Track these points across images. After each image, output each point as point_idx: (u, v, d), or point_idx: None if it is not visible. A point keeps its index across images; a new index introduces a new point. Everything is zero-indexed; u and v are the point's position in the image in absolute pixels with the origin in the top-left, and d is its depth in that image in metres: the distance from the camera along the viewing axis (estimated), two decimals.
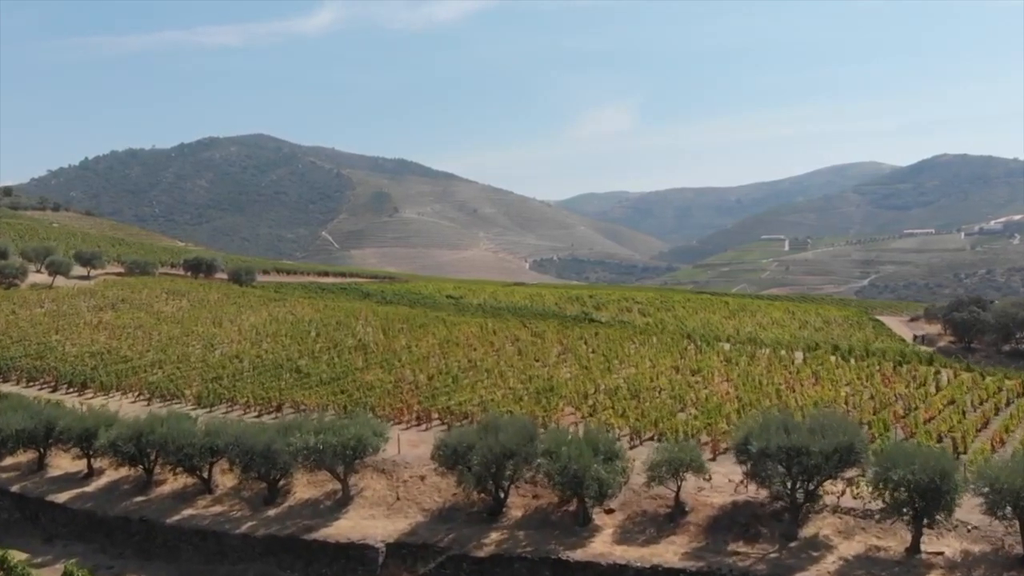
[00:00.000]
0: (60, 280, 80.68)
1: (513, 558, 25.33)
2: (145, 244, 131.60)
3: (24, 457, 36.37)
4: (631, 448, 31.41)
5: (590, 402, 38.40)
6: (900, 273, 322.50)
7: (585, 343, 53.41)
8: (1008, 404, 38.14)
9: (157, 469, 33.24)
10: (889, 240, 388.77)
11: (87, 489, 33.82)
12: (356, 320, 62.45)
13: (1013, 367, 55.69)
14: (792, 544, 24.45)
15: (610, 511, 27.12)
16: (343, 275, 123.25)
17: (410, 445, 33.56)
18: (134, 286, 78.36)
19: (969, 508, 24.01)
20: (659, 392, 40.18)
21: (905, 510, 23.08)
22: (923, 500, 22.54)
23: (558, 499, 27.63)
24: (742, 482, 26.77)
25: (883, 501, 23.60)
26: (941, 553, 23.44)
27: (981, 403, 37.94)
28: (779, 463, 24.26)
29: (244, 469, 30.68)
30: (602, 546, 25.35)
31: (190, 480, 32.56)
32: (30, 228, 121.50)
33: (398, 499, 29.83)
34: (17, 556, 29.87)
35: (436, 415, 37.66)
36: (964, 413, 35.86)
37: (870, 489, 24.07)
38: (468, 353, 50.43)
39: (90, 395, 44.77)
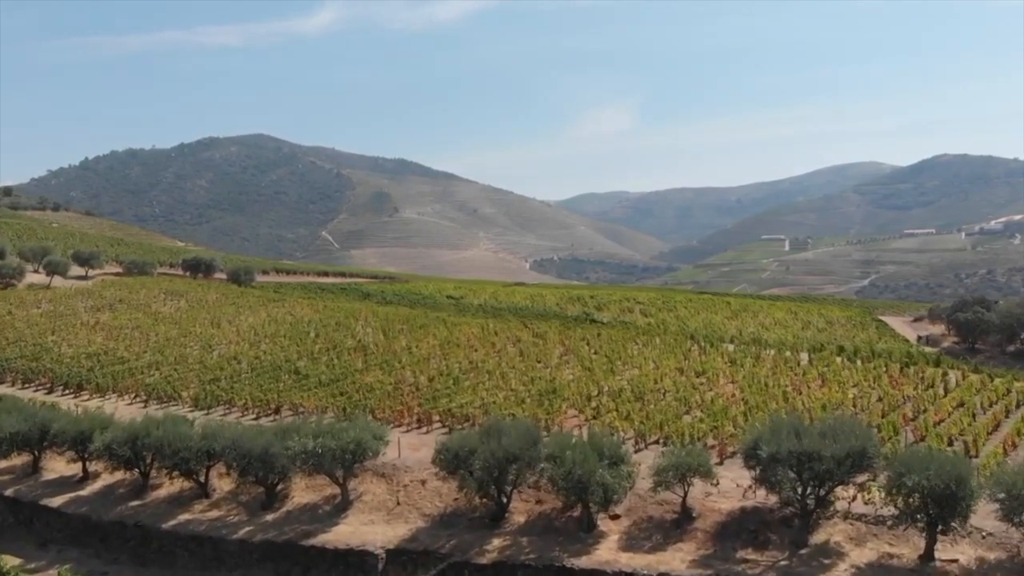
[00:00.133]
0: (58, 280, 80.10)
1: (516, 565, 24.74)
2: (144, 244, 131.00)
3: (18, 460, 35.87)
4: (636, 452, 30.85)
5: (593, 404, 37.80)
6: (901, 273, 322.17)
7: (587, 344, 52.81)
8: (1018, 406, 37.50)
9: (153, 473, 32.69)
10: (889, 240, 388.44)
11: (82, 493, 33.28)
12: (356, 321, 61.86)
13: (1019, 368, 55.07)
14: (802, 551, 23.85)
15: (615, 517, 26.52)
16: (343, 275, 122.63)
17: (410, 448, 32.97)
18: (132, 286, 77.76)
19: (984, 514, 23.41)
20: (663, 394, 39.58)
21: (919, 517, 22.49)
22: (938, 507, 21.94)
23: (562, 504, 27.02)
24: (750, 487, 26.19)
25: (896, 507, 23.01)
26: (956, 561, 22.86)
27: (991, 405, 37.31)
28: (790, 468, 23.65)
29: (241, 473, 30.17)
30: (607, 553, 24.75)
31: (186, 484, 32.00)
32: (28, 228, 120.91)
33: (398, 504, 29.24)
34: (11, 561, 29.48)
35: (437, 417, 37.07)
36: (974, 416, 35.26)
37: (883, 495, 23.48)
38: (469, 354, 49.84)
39: (86, 397, 44.20)
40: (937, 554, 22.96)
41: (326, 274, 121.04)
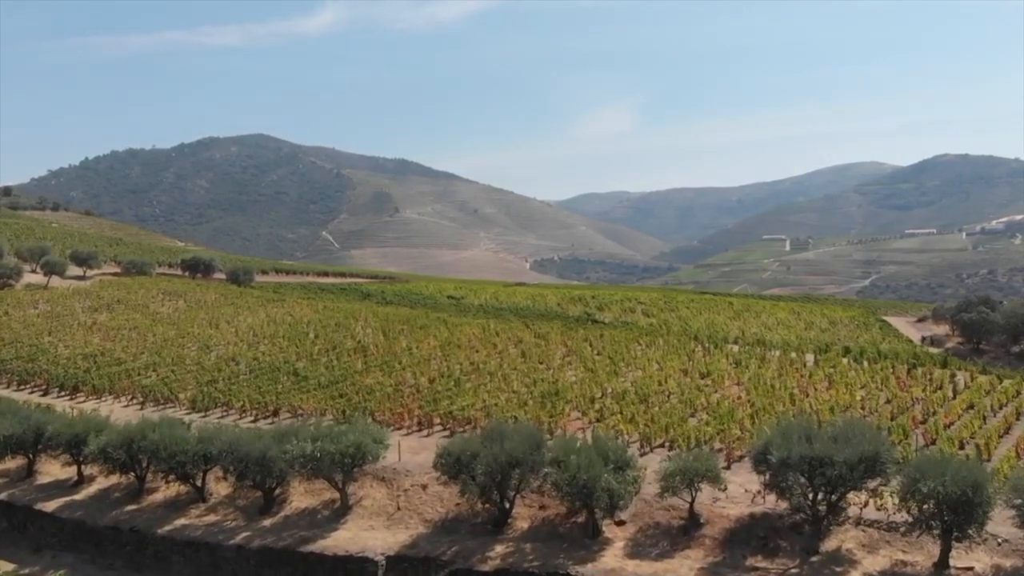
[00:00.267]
0: (55, 280, 79.51)
1: (520, 573, 24.08)
2: (143, 244, 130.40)
3: (12, 464, 35.40)
4: (641, 455, 30.21)
5: (597, 407, 37.20)
6: (902, 273, 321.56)
7: (590, 345, 52.20)
8: None
9: (149, 476, 32.15)
10: (890, 240, 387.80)
11: (77, 497, 32.73)
12: (356, 321, 61.26)
13: None
14: (813, 559, 23.21)
15: (621, 523, 25.89)
16: (343, 275, 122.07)
17: (411, 452, 32.38)
18: (130, 286, 77.19)
19: (1000, 520, 22.82)
20: (668, 396, 38.98)
21: (934, 524, 21.86)
22: (954, 513, 21.31)
23: (566, 510, 26.39)
24: (759, 492, 25.58)
25: (910, 514, 22.40)
26: (971, 568, 22.22)
27: (1000, 407, 36.76)
28: (801, 474, 23.01)
29: (239, 477, 29.62)
30: (613, 560, 24.11)
31: (183, 488, 31.46)
32: (27, 228, 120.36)
33: (399, 509, 28.63)
34: (4, 567, 29.02)
35: (438, 420, 36.47)
36: (985, 418, 34.65)
37: (896, 501, 22.86)
38: (470, 355, 49.24)
39: (82, 399, 43.65)
40: (952, 562, 22.33)
41: (326, 274, 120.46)
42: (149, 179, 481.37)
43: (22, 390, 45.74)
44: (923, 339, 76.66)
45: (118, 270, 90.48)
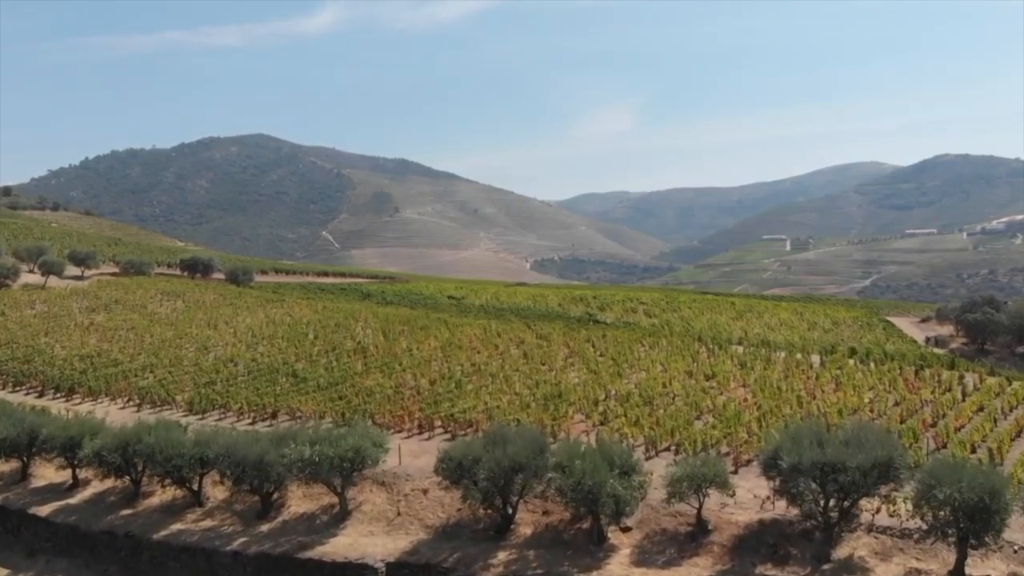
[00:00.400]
0: (53, 280, 78.87)
1: None
2: (143, 244, 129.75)
3: (6, 467, 35.04)
4: (646, 459, 29.59)
5: (600, 409, 36.56)
6: (902, 273, 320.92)
7: (592, 346, 51.57)
8: None
9: (145, 480, 31.69)
10: (891, 240, 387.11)
11: (71, 501, 32.27)
12: (355, 322, 60.64)
13: None
14: (825, 567, 22.62)
15: (627, 529, 25.30)
16: (343, 275, 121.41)
17: (411, 455, 31.80)
18: (128, 287, 76.56)
19: (1016, 527, 22.30)
20: (673, 398, 38.34)
21: (950, 531, 21.25)
22: (970, 520, 20.71)
23: (570, 516, 25.79)
24: (768, 498, 24.98)
25: (924, 521, 21.81)
26: None
27: (1011, 409, 36.14)
28: (812, 479, 22.39)
29: (236, 482, 29.13)
30: (619, 568, 23.53)
31: (179, 492, 30.96)
32: (26, 228, 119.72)
33: (399, 514, 28.05)
34: None
35: (439, 423, 35.85)
36: (995, 421, 34.02)
37: (910, 507, 22.26)
38: (471, 356, 48.62)
39: (77, 400, 43.05)
40: (967, 570, 21.75)
41: (326, 274, 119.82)
42: (149, 179, 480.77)
43: (17, 392, 45.14)
44: (927, 340, 76.04)
45: (116, 270, 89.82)
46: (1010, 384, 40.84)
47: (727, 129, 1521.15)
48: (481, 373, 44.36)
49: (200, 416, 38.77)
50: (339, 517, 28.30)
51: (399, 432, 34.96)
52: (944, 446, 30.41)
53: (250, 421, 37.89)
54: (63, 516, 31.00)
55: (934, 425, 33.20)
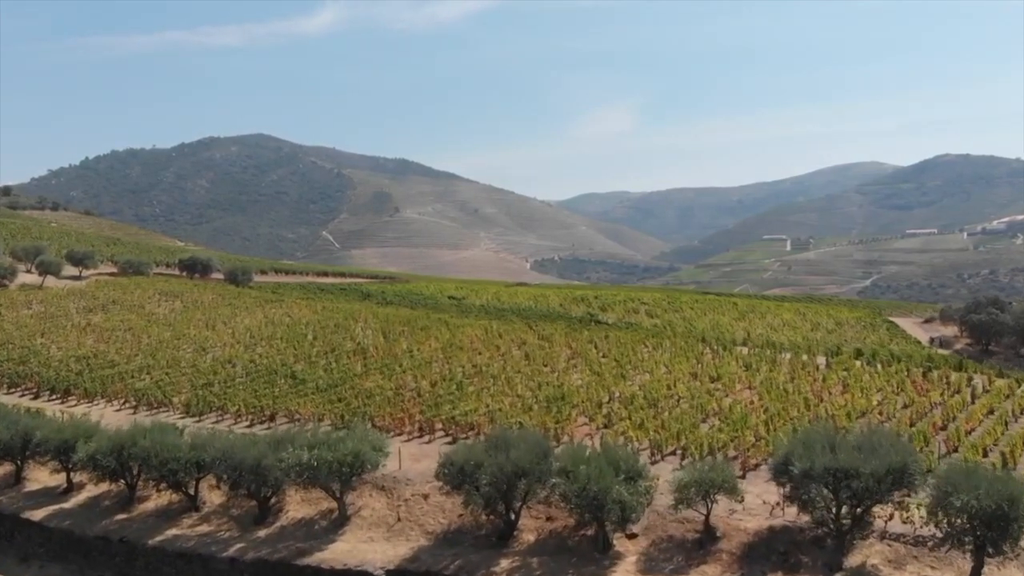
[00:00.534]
0: (51, 280, 78.22)
1: None
2: (142, 244, 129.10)
3: (0, 470, 34.13)
4: (652, 463, 29.01)
5: (604, 412, 35.92)
6: (903, 273, 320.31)
7: (595, 347, 50.96)
8: None
9: (140, 484, 31.08)
10: (891, 240, 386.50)
11: (65, 505, 31.65)
12: (355, 322, 60.03)
13: None
14: (837, 575, 22.00)
15: (632, 536, 24.66)
16: (343, 275, 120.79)
17: (412, 459, 31.18)
18: (126, 287, 75.93)
19: None
20: (678, 401, 37.70)
21: (966, 539, 20.63)
22: (987, 528, 20.08)
23: (575, 522, 25.16)
24: (778, 504, 24.36)
25: (939, 528, 21.19)
26: None
27: (1022, 412, 35.51)
28: (824, 486, 21.76)
29: (232, 486, 28.56)
30: None
31: (175, 497, 30.37)
32: (24, 227, 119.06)
33: (399, 520, 27.42)
34: None
35: (440, 425, 35.23)
36: (1007, 424, 33.40)
37: (923, 514, 21.64)
38: (473, 358, 48.00)
39: (73, 402, 42.41)
40: None
41: (325, 274, 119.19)
42: (149, 179, 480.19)
43: (12, 393, 44.53)
44: (931, 340, 75.41)
45: (115, 270, 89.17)
46: (1020, 386, 40.25)
47: (727, 129, 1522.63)
48: (482, 374, 43.76)
49: (197, 418, 38.18)
50: (338, 523, 27.69)
51: (399, 435, 34.36)
52: (955, 450, 29.81)
53: (248, 423, 37.29)
54: (57, 521, 30.40)
55: (944, 428, 32.59)
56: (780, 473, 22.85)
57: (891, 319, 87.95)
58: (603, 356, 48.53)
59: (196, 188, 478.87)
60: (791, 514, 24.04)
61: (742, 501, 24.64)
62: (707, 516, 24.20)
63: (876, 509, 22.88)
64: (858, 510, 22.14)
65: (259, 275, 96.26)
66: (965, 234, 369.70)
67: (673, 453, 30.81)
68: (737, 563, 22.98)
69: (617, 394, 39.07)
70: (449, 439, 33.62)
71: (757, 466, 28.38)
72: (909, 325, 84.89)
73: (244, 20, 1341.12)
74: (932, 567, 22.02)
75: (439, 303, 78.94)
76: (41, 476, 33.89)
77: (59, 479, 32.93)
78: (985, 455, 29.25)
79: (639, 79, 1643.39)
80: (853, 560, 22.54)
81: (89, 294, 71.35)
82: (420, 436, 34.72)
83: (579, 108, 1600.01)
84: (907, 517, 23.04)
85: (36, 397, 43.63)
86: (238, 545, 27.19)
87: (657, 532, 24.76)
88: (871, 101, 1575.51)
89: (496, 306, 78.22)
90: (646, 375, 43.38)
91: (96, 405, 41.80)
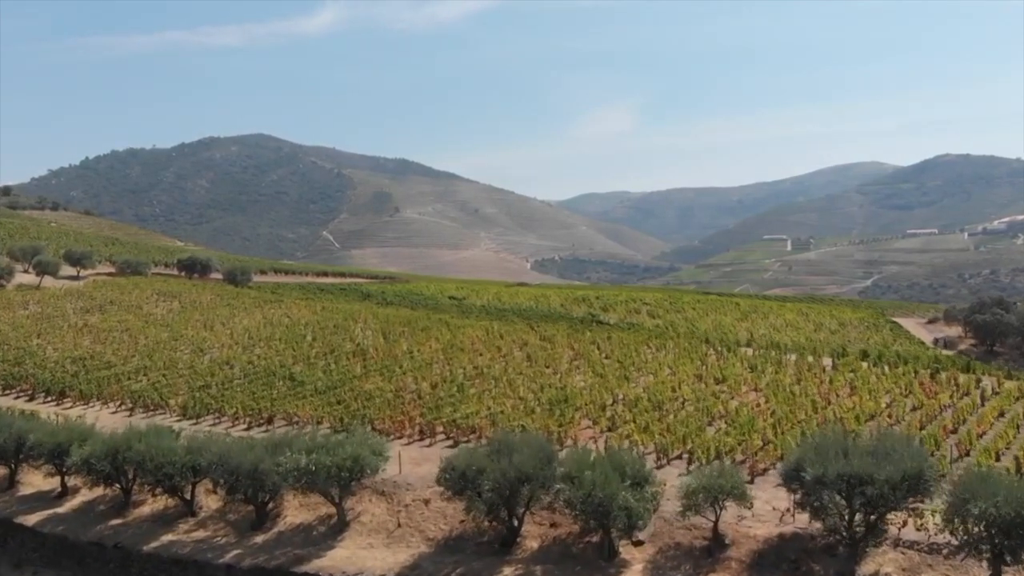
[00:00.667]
0: (48, 280, 77.61)
1: None
2: (141, 243, 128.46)
3: None
4: (658, 468, 28.38)
5: (608, 415, 35.32)
6: (903, 273, 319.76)
7: (598, 348, 50.36)
8: None
9: (135, 489, 30.50)
10: (892, 240, 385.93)
11: (60, 510, 31.08)
12: (355, 323, 59.43)
13: None
14: None
15: (639, 543, 24.04)
16: (342, 275, 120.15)
17: (412, 463, 30.57)
18: (124, 287, 75.33)
19: None
20: (683, 403, 37.11)
21: (984, 547, 20.03)
22: (1007, 536, 19.49)
23: (579, 529, 24.57)
24: (788, 511, 23.76)
25: (954, 535, 20.58)
26: None
27: None
28: (837, 492, 21.15)
29: (229, 491, 27.93)
30: None
31: (171, 501, 29.79)
32: (23, 227, 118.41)
33: (399, 526, 26.82)
34: None
35: (441, 428, 34.61)
36: (1018, 427, 32.79)
37: (938, 521, 21.04)
38: (474, 359, 47.40)
39: (68, 405, 41.81)
40: None
41: (325, 274, 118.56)
42: (149, 179, 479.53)
43: (7, 395, 43.93)
44: (935, 341, 74.88)
45: (113, 270, 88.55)
46: None
47: (727, 129, 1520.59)
48: (484, 376, 43.16)
49: (194, 421, 37.58)
50: (337, 528, 27.10)
51: (399, 438, 33.77)
52: (967, 454, 29.22)
53: (245, 426, 36.71)
54: (51, 526, 29.84)
55: (955, 431, 32.00)
56: (791, 479, 22.24)
57: (894, 319, 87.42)
58: (606, 357, 47.94)
59: (196, 188, 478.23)
60: (801, 521, 23.45)
61: (751, 507, 24.05)
62: (715, 523, 23.59)
63: (889, 516, 22.28)
64: (872, 517, 21.53)
65: (258, 275, 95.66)
66: (966, 234, 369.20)
67: (679, 457, 30.20)
68: (747, 571, 22.38)
69: (621, 396, 38.49)
70: (450, 442, 33.03)
71: (765, 471, 27.79)
72: (912, 325, 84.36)
73: (244, 20, 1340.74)
74: (947, 575, 21.44)
75: (439, 303, 78.35)
76: (35, 480, 33.31)
77: (53, 483, 32.36)
78: (998, 459, 28.67)
79: (639, 79, 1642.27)
80: (866, 568, 21.94)
81: (86, 294, 70.76)
82: (421, 439, 34.12)
83: (579, 108, 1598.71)
84: (921, 524, 22.44)
85: (31, 399, 43.03)
86: (235, 551, 26.61)
87: (664, 539, 24.15)
88: (871, 101, 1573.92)
89: (497, 306, 77.63)
90: (650, 377, 42.78)
91: (92, 407, 41.21)
